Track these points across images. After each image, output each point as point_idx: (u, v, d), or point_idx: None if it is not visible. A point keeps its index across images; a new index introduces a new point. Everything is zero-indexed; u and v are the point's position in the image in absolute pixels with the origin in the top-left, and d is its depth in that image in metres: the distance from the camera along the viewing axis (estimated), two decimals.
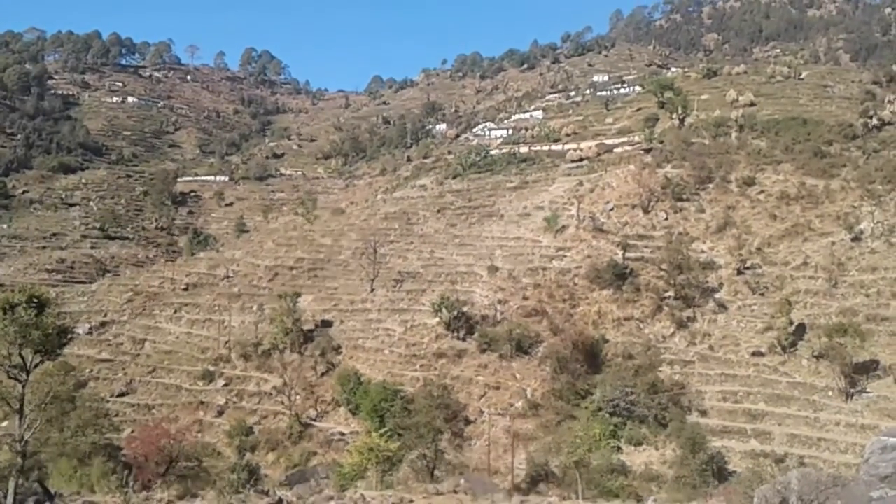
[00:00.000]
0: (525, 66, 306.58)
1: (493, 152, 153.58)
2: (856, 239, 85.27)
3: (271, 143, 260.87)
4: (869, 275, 79.64)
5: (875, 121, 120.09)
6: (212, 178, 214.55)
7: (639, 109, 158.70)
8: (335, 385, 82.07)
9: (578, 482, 54.52)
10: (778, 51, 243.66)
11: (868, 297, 76.84)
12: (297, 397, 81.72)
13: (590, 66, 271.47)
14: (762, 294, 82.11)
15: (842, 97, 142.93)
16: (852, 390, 65.93)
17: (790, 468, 56.39)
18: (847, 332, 68.33)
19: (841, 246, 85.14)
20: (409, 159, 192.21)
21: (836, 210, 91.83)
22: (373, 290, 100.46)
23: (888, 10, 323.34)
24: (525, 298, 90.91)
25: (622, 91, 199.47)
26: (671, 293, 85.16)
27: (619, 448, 63.58)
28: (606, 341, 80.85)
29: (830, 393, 66.74)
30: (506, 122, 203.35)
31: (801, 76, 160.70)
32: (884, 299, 75.77)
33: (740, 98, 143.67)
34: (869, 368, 67.62)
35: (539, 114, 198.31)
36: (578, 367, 75.96)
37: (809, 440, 62.39)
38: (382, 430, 66.62)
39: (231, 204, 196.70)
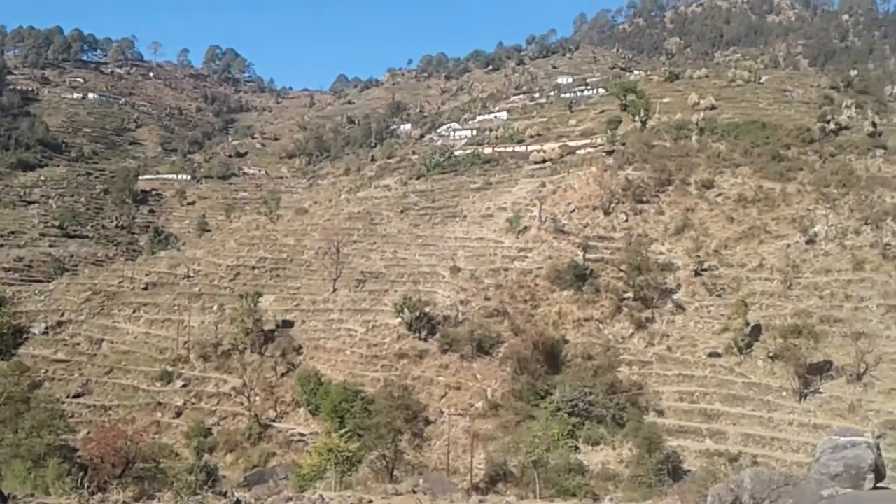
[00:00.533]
0: (490, 67, 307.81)
1: (457, 153, 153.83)
2: (810, 241, 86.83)
3: (234, 142, 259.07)
4: (822, 277, 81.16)
5: (832, 125, 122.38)
6: (174, 176, 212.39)
7: (602, 112, 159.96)
8: (295, 385, 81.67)
9: (536, 481, 54.88)
10: (738, 55, 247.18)
11: (822, 298, 78.30)
12: (257, 398, 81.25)
13: (554, 68, 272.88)
14: (719, 295, 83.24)
15: (800, 102, 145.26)
16: (806, 391, 67.15)
17: (744, 467, 57.27)
18: (801, 334, 69.65)
19: (796, 248, 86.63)
20: (373, 159, 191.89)
21: (791, 213, 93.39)
22: (335, 290, 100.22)
23: (845, 16, 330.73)
24: (487, 299, 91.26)
25: (586, 93, 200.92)
26: (630, 294, 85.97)
27: (576, 448, 63.96)
28: (566, 342, 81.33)
29: (784, 393, 67.89)
30: (470, 122, 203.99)
31: (761, 80, 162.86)
32: (837, 301, 77.25)
33: (701, 101, 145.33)
34: (822, 369, 68.94)
35: (503, 115, 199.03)
36: (538, 368, 76.37)
37: (763, 440, 63.39)
38: (342, 431, 66.36)
39: (193, 203, 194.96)
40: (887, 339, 70.95)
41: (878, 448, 52.02)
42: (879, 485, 44.77)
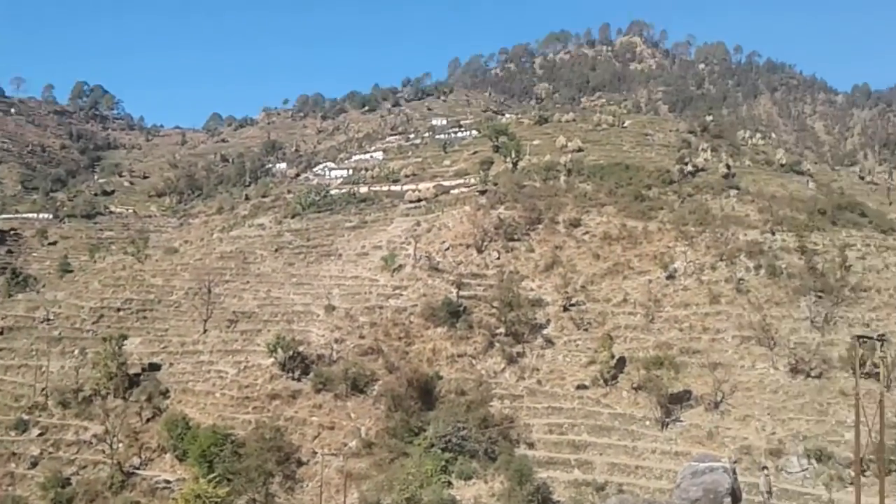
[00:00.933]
0: (366, 108, 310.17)
1: (332, 192, 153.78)
2: (670, 277, 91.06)
3: (101, 180, 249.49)
4: (682, 310, 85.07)
5: (690, 167, 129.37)
6: (34, 215, 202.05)
7: (475, 153, 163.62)
8: (161, 431, 78.64)
9: None
10: (603, 100, 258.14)
11: (681, 331, 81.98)
12: (120, 445, 77.69)
13: (429, 109, 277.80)
14: (586, 329, 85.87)
15: (661, 145, 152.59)
16: (667, 419, 69.77)
17: (609, 496, 59.20)
18: (663, 365, 72.53)
19: (657, 284, 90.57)
20: (247, 198, 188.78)
21: (653, 250, 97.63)
22: (205, 331, 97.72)
23: (702, 65, 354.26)
24: (361, 337, 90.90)
25: (459, 135, 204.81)
26: (502, 329, 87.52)
27: (449, 483, 64.11)
28: (440, 378, 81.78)
29: (647, 422, 70.35)
30: (346, 162, 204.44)
31: (625, 124, 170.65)
32: (695, 333, 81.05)
33: (569, 144, 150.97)
34: (682, 398, 71.87)
35: (379, 155, 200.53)
36: (413, 405, 76.35)
37: (628, 468, 65.26)
38: (211, 476, 64.55)
39: (55, 243, 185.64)
40: (741, 368, 74.79)
41: (735, 472, 54.73)
42: None
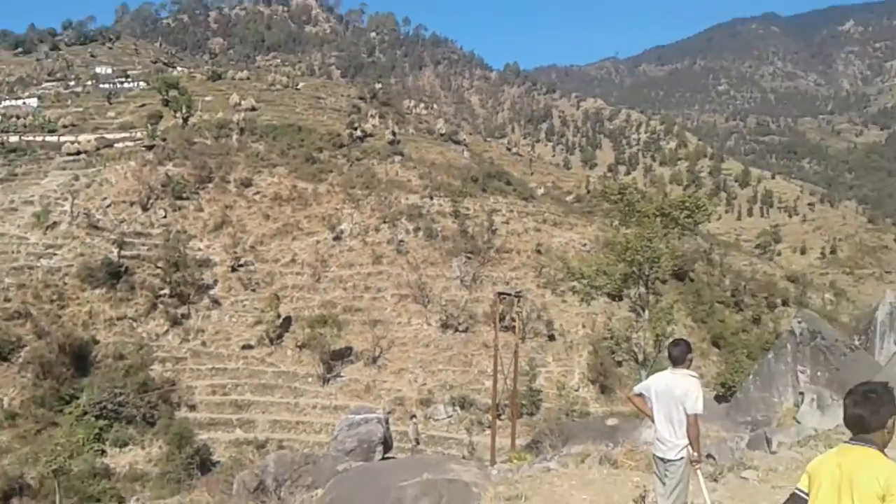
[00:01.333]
0: (20, 49, 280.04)
1: None
2: (337, 238, 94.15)
3: None
4: (347, 270, 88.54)
5: (359, 132, 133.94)
6: None
7: (143, 105, 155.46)
8: None
9: (57, 491, 51.84)
10: (278, 61, 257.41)
11: (345, 290, 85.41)
12: None
13: (92, 56, 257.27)
14: (254, 290, 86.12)
15: (332, 109, 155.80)
16: (328, 375, 72.65)
17: (269, 452, 60.57)
18: (327, 323, 75.09)
19: (324, 244, 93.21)
20: None
21: (322, 212, 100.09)
22: None
23: (373, 34, 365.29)
24: (7, 300, 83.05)
25: (126, 85, 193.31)
26: (167, 291, 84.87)
27: (103, 451, 61.65)
28: (97, 342, 77.44)
29: (310, 379, 72.71)
30: None
31: (298, 87, 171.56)
32: (358, 292, 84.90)
33: (242, 102, 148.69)
34: (344, 354, 75.19)
35: (34, 102, 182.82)
36: (65, 371, 71.60)
37: (289, 424, 67.14)
38: None
39: None
40: (399, 325, 79.91)
41: (387, 423, 58.62)
42: (388, 455, 50.87)
